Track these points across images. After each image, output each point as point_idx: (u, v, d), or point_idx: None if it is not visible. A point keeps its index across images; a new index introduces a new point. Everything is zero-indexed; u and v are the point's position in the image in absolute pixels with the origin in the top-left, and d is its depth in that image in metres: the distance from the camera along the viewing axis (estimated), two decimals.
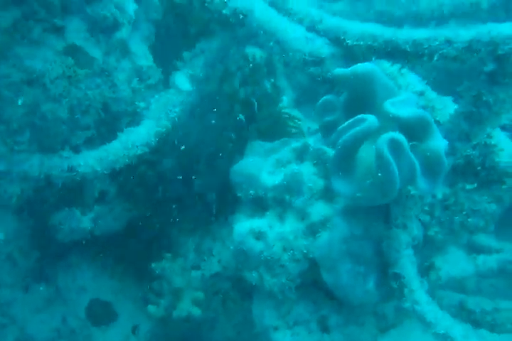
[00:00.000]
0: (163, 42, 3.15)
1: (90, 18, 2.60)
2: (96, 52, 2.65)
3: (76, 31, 2.56)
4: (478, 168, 2.56)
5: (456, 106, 2.42)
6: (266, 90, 3.27)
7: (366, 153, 2.16)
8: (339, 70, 2.22)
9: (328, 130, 2.31)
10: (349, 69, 2.18)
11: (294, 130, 3.21)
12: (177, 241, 3.46)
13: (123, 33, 2.73)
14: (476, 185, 2.64)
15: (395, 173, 1.99)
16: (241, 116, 3.05)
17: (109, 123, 2.90)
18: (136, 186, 3.08)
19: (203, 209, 3.28)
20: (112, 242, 3.40)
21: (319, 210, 2.66)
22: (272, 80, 3.35)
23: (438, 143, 2.05)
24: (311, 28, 2.78)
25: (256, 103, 3.14)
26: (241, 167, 2.85)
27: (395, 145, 1.99)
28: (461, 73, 2.29)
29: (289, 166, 2.79)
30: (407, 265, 2.54)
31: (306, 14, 2.85)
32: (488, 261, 3.66)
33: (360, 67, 2.16)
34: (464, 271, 3.65)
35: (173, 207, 3.26)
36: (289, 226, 2.69)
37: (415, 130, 2.08)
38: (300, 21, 2.84)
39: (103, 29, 2.65)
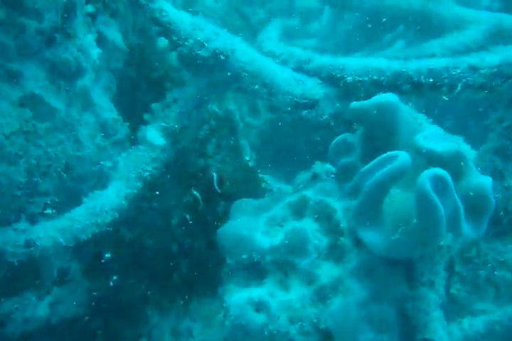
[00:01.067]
0: (125, 94, 2.82)
1: (50, 62, 2.24)
2: (58, 103, 2.29)
3: (34, 78, 2.18)
4: (501, 213, 2.28)
5: (468, 147, 2.16)
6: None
7: (395, 198, 1.84)
8: (357, 103, 1.93)
9: (345, 174, 2.00)
10: (370, 100, 1.91)
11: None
12: (149, 322, 2.98)
13: (86, 81, 2.39)
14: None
15: (441, 217, 1.69)
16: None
17: (72, 187, 2.48)
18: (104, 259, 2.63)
19: (179, 282, 2.86)
20: (72, 331, 2.89)
21: (328, 272, 2.34)
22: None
23: (482, 180, 1.76)
24: (299, 69, 2.52)
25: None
26: (230, 228, 2.50)
27: (438, 184, 1.70)
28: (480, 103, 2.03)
29: (287, 224, 2.44)
30: (439, 329, 2.20)
31: (291, 54, 2.59)
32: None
33: (384, 96, 1.89)
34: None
35: (145, 281, 2.81)
36: (295, 293, 2.34)
37: (450, 167, 1.79)
38: (284, 63, 2.57)
39: (64, 75, 2.28)
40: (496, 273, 2.44)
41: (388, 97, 1.97)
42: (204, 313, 2.83)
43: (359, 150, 2.05)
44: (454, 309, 2.52)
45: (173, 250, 2.82)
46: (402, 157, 1.82)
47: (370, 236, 1.90)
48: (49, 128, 2.37)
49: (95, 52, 2.46)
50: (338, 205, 2.47)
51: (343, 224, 2.43)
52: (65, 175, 2.53)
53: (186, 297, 2.96)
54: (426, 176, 1.74)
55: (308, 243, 2.41)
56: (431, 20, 3.56)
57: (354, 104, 2.02)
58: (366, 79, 2.24)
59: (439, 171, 1.76)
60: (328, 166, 2.77)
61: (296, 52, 2.67)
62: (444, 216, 1.76)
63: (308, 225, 2.47)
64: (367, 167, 1.86)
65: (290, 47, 2.74)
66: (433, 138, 1.90)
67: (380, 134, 2.01)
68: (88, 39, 2.39)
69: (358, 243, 2.38)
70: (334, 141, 2.10)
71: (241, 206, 2.64)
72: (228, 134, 3.20)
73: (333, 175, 2.72)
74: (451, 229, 1.87)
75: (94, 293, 2.76)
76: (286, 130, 3.66)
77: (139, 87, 2.92)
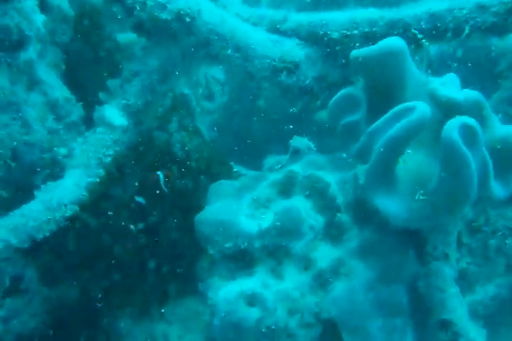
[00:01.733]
0: (75, 70, 2.48)
1: None
2: (0, 78, 1.93)
3: None
4: None
5: None
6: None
7: (409, 160, 1.59)
8: (358, 51, 1.67)
9: (351, 134, 1.72)
10: (374, 46, 1.64)
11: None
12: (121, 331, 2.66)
13: (31, 53, 2.05)
14: None
15: (473, 175, 1.44)
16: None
17: (21, 179, 2.13)
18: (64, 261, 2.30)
19: (151, 281, 2.54)
20: None
21: (327, 253, 2.08)
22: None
23: (508, 131, 1.52)
24: (274, 31, 2.24)
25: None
26: (209, 214, 2.21)
27: (467, 135, 1.44)
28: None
29: (276, 204, 2.16)
30: (457, 307, 1.96)
31: (261, 16, 2.31)
32: None
33: (390, 40, 1.63)
34: None
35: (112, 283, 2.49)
36: (291, 281, 2.09)
37: (472, 117, 1.54)
38: (256, 25, 2.28)
39: (5, 45, 1.94)
40: (507, 241, 2.21)
41: (395, 41, 1.71)
42: (182, 315, 2.51)
43: (365, 106, 1.78)
44: (463, 285, 2.28)
45: (141, 244, 2.49)
46: (420, 108, 1.57)
47: (388, 204, 1.65)
48: None
49: (39, 18, 2.11)
50: (332, 178, 2.21)
51: (340, 199, 2.18)
52: (12, 164, 2.16)
53: (160, 297, 2.64)
54: (454, 125, 1.49)
55: (303, 223, 2.15)
56: None
57: (355, 52, 1.75)
58: (356, 32, 1.98)
59: (468, 120, 1.52)
60: (306, 141, 2.52)
61: (267, 13, 2.39)
62: (476, 173, 1.51)
63: (300, 203, 2.19)
64: (378, 123, 1.60)
65: (258, 9, 2.45)
66: (450, 85, 1.65)
67: (388, 85, 1.75)
68: (29, 3, 2.04)
69: (360, 218, 2.12)
70: (335, 97, 1.83)
71: (219, 188, 2.36)
72: (186, 114, 2.90)
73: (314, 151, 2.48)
74: (480, 188, 1.62)
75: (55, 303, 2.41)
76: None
77: (89, 61, 2.58)
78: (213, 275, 2.30)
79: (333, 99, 1.84)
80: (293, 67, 2.27)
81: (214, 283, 2.25)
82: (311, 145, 2.51)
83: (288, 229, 2.16)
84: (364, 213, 2.05)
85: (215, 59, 2.32)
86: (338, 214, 2.16)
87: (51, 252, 2.37)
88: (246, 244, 2.22)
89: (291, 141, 2.52)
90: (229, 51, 2.27)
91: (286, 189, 2.30)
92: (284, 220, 2.16)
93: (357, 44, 2.03)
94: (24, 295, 2.40)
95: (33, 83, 2.35)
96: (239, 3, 2.56)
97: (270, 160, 2.77)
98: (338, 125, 1.87)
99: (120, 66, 2.49)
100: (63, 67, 2.55)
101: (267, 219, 2.22)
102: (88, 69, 2.64)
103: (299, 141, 2.51)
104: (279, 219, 2.17)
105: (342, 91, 1.84)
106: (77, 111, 2.45)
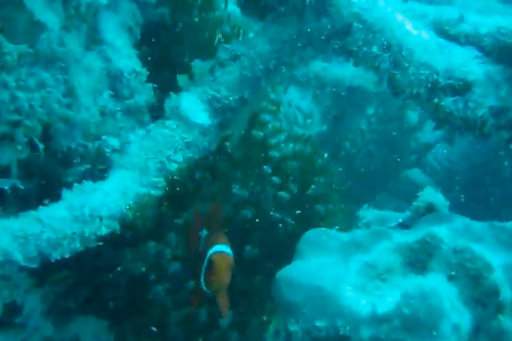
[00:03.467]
0: (153, 44, 1.84)
1: None
2: (47, 15, 1.36)
3: None
4: None
5: None
6: None
7: None
8: None
9: None
10: None
11: None
12: None
13: None
14: None
15: None
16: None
17: (50, 168, 1.45)
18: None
19: None
20: None
21: None
22: None
23: None
24: (439, 33, 1.64)
25: None
26: (300, 273, 1.57)
27: None
28: None
29: (399, 279, 1.45)
30: None
31: (423, 13, 1.70)
32: None
33: None
34: None
35: None
36: None
37: None
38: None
39: None
40: None
41: None
42: None
43: None
44: None
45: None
46: None
47: None
48: (23, 54, 1.41)
49: None
50: (497, 260, 1.49)
51: (507, 294, 1.45)
52: (41, 145, 1.49)
53: None
54: None
55: (442, 318, 1.44)
56: None
57: None
58: None
59: None
60: (441, 197, 1.86)
61: (431, 10, 1.74)
62: None
63: (442, 287, 1.47)
64: None
65: (417, 3, 1.81)
66: None
67: None
68: None
69: None
70: None
71: (319, 238, 1.68)
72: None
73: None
74: None
75: None
76: None
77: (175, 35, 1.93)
78: None
79: None
80: (462, 88, 1.60)
81: None
82: (446, 203, 1.84)
83: (419, 323, 1.47)
84: None
85: (349, 55, 1.66)
86: (500, 318, 1.44)
87: (67, 280, 1.67)
88: (348, 329, 1.52)
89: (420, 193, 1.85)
90: (374, 48, 1.60)
91: (418, 259, 1.60)
92: (416, 307, 1.46)
93: None
94: (19, 332, 1.70)
95: (94, 40, 1.73)
96: None
97: (369, 214, 2.09)
98: None
99: (215, 43, 1.84)
100: (138, 35, 1.89)
101: (386, 300, 1.50)
102: (170, 42, 1.97)
103: (433, 196, 1.83)
104: (407, 304, 1.47)
105: None
106: (144, 93, 1.80)
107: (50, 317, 1.71)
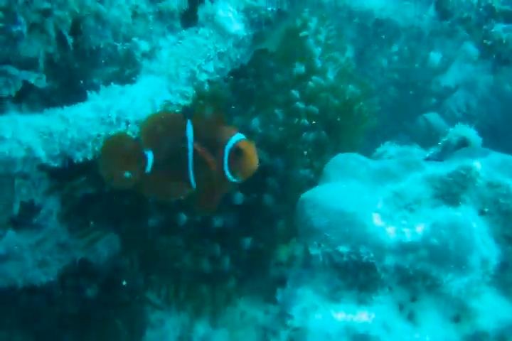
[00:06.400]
0: None
1: None
2: None
3: None
4: None
5: None
6: None
7: None
8: None
9: None
10: None
11: None
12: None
13: None
14: None
15: None
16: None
17: (76, 67, 1.38)
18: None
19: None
20: None
21: (494, 309, 1.34)
22: None
23: None
24: None
25: None
26: (325, 196, 1.51)
27: None
28: None
29: (427, 210, 1.42)
30: None
31: None
32: None
33: None
34: None
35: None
36: (428, 333, 1.31)
37: None
38: None
39: None
40: None
41: None
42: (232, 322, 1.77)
43: None
44: None
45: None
46: None
47: None
48: None
49: None
50: None
51: None
52: (70, 39, 1.44)
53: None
54: None
55: (472, 251, 1.40)
56: None
57: None
58: None
59: None
60: (474, 133, 1.82)
61: None
62: None
63: (474, 220, 1.44)
64: None
65: None
66: None
67: None
68: None
69: None
70: None
71: (348, 163, 1.65)
72: None
73: None
74: None
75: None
76: None
77: None
78: (304, 286, 1.57)
79: None
80: None
81: (304, 297, 1.54)
82: (480, 139, 1.78)
83: (447, 254, 1.43)
84: None
85: None
86: None
87: (88, 184, 1.61)
88: (372, 256, 1.48)
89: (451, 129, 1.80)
90: None
91: (449, 192, 1.55)
92: (445, 238, 1.42)
93: None
94: (34, 232, 1.65)
95: None
96: None
97: (392, 149, 2.03)
98: None
99: None
100: None
101: (414, 229, 1.47)
102: None
103: (467, 132, 1.77)
104: (437, 234, 1.43)
105: None
106: None
107: (67, 222, 1.67)
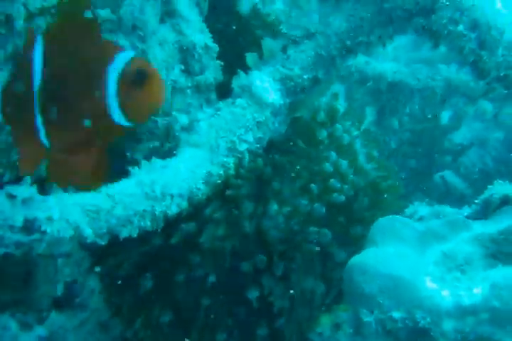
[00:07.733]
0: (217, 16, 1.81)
1: None
2: None
3: None
4: None
5: None
6: None
7: None
8: None
9: None
10: None
11: None
12: None
13: None
14: None
15: None
16: None
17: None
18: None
19: None
20: None
21: None
22: None
23: None
24: None
25: None
26: (376, 261, 1.45)
27: None
28: None
29: (482, 271, 1.39)
30: None
31: None
32: None
33: None
34: None
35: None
36: None
37: None
38: None
39: None
40: None
41: None
42: None
43: None
44: None
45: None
46: None
47: None
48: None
49: None
50: None
51: None
52: None
53: None
54: None
55: None
56: None
57: None
58: None
59: None
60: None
61: None
62: None
63: None
64: None
65: None
66: None
67: None
68: None
69: None
70: None
71: (393, 226, 1.60)
72: None
73: None
74: None
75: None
76: None
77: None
78: None
79: None
80: None
81: None
82: None
83: (510, 316, 1.38)
84: None
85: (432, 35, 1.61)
86: None
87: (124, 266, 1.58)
88: (428, 320, 1.44)
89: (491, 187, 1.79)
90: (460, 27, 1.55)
91: (501, 251, 1.53)
92: (507, 299, 1.38)
93: None
94: (77, 312, 1.61)
95: (168, 12, 1.63)
96: None
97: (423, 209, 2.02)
98: None
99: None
100: (205, 9, 1.82)
101: (471, 291, 1.44)
102: (236, 18, 1.91)
103: (508, 188, 1.77)
104: (497, 295, 1.39)
105: None
106: (214, 69, 1.70)
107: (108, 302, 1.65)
